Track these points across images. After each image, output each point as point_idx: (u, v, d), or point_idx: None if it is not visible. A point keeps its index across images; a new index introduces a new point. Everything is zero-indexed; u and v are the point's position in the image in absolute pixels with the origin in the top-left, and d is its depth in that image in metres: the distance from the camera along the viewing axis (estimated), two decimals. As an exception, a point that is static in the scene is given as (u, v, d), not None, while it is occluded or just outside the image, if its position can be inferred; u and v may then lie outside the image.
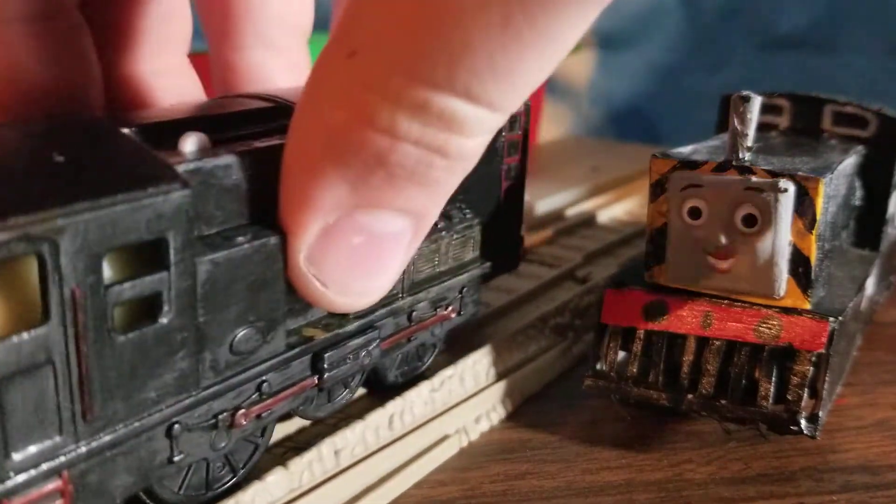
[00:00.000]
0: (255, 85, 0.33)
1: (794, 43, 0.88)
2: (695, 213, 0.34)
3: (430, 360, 0.37)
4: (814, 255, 0.32)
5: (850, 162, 0.38)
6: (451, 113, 0.22)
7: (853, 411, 0.38)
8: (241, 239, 0.25)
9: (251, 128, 0.27)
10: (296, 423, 0.33)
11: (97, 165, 0.22)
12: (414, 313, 0.33)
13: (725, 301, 0.34)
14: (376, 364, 0.32)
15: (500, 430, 0.37)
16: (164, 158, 0.23)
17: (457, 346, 0.39)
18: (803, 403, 0.32)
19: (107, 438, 0.22)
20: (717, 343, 0.34)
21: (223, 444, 0.26)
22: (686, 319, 0.34)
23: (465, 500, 0.32)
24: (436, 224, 0.30)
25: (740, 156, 0.33)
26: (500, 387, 0.38)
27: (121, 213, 0.21)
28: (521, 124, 0.37)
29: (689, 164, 0.34)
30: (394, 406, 0.33)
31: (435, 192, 0.25)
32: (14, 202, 0.19)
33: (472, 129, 0.23)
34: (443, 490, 0.32)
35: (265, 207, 0.25)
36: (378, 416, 0.33)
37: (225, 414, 0.26)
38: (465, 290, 0.36)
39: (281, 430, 0.32)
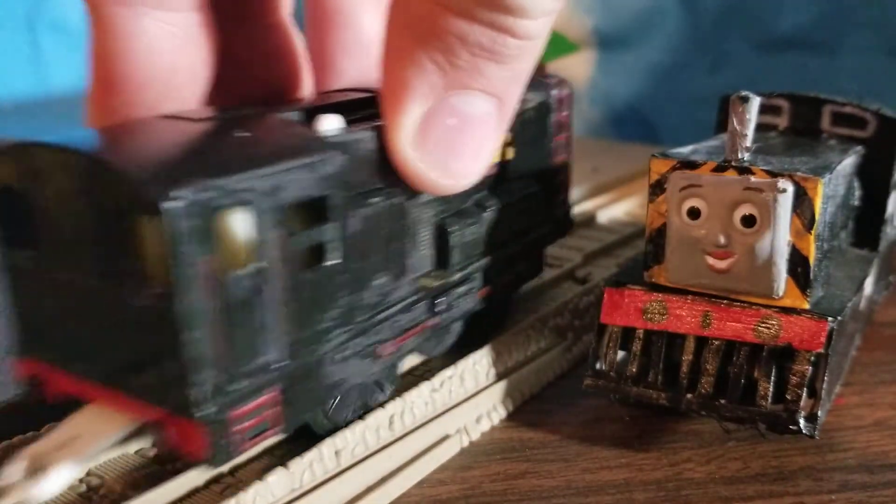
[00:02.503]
0: (341, 16, 0.37)
1: (793, 43, 0.88)
2: (694, 213, 0.34)
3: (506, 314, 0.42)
4: (812, 255, 0.33)
5: (848, 162, 0.39)
6: None
7: (852, 411, 0.39)
8: (376, 199, 0.30)
9: (366, 111, 0.32)
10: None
11: (273, 140, 0.28)
12: (495, 271, 0.38)
13: (724, 301, 0.34)
14: (473, 312, 0.38)
15: (501, 430, 0.37)
16: (321, 134, 0.29)
17: (457, 345, 0.39)
18: (802, 403, 0.33)
19: (299, 362, 0.28)
20: (717, 343, 0.34)
21: (373, 372, 0.32)
22: (685, 319, 0.35)
23: (466, 500, 0.32)
24: (505, 192, 0.37)
25: (739, 156, 0.33)
26: (501, 387, 0.38)
27: (299, 174, 0.27)
28: (567, 106, 0.42)
29: (688, 165, 0.34)
30: (394, 406, 0.33)
31: (512, 72, 0.28)
32: (221, 167, 0.25)
33: (532, 11, 0.26)
34: (443, 489, 0.33)
35: (389, 173, 0.30)
36: (378, 417, 0.33)
37: (372, 346, 0.31)
38: (532, 251, 0.41)
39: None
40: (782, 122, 0.44)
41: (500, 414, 0.38)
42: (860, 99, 0.43)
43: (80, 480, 0.29)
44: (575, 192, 0.62)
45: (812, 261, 0.33)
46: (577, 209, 0.61)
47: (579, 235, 0.56)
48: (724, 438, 0.36)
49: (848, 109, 0.43)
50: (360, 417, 0.33)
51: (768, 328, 0.33)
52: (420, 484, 0.33)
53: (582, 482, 0.33)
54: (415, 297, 0.33)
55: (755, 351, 0.34)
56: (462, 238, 0.35)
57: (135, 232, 0.24)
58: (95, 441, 0.27)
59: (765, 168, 0.32)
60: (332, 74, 0.37)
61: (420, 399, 0.35)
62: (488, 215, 0.36)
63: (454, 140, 0.29)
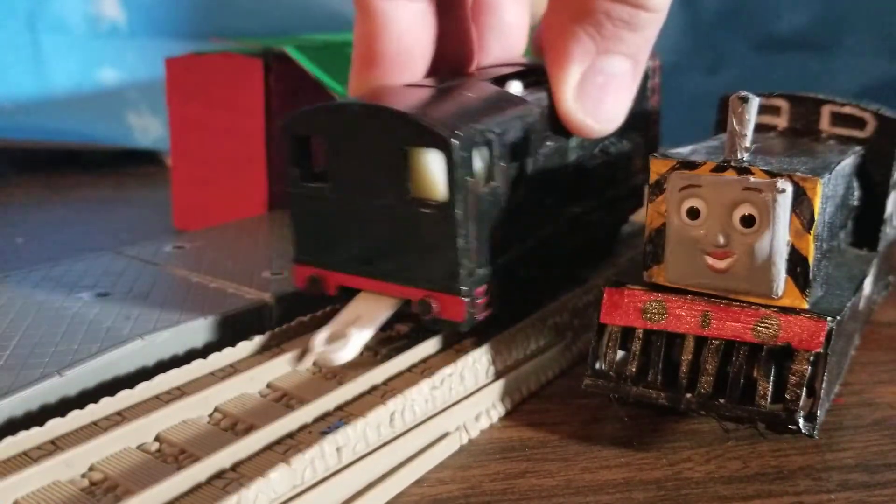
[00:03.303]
0: (490, 6, 0.47)
1: (792, 44, 0.88)
2: (693, 213, 0.34)
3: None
4: (812, 255, 0.33)
5: (848, 162, 0.39)
6: None
7: (851, 410, 0.39)
8: (549, 143, 0.40)
9: (530, 78, 0.42)
10: (298, 420, 0.33)
11: (493, 99, 0.39)
12: (613, 202, 0.49)
13: (724, 301, 0.34)
14: (595, 236, 0.49)
15: (500, 429, 0.37)
16: (517, 94, 0.40)
17: (457, 344, 0.40)
18: (801, 402, 0.33)
19: (506, 259, 0.37)
20: (716, 342, 0.34)
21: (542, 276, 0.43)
22: (684, 319, 0.35)
23: (465, 499, 0.32)
24: (620, 143, 0.47)
25: (739, 156, 0.33)
26: (500, 385, 0.38)
27: (515, 123, 0.37)
28: (658, 74, 0.51)
29: (687, 165, 0.34)
30: (395, 403, 0.34)
31: (643, 38, 0.38)
32: (473, 117, 0.35)
33: None
34: (443, 488, 0.33)
35: (554, 123, 0.40)
36: (379, 414, 0.33)
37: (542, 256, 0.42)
38: (636, 191, 0.51)
39: (282, 427, 0.32)
40: (781, 122, 0.44)
41: (499, 412, 0.38)
42: (859, 99, 0.43)
43: (83, 475, 0.30)
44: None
45: (811, 261, 0.33)
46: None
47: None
48: (723, 438, 0.36)
49: (847, 110, 0.43)
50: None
51: (767, 328, 0.33)
52: (420, 483, 0.33)
53: (581, 481, 0.33)
54: (565, 222, 0.43)
55: (754, 351, 0.34)
56: (594, 175, 0.44)
57: (423, 160, 0.34)
58: (375, 318, 0.37)
59: (764, 168, 0.32)
60: (481, 51, 0.46)
61: (420, 396, 0.35)
62: (610, 160, 0.45)
63: (603, 94, 0.39)
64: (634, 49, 0.38)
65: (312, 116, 0.37)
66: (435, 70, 0.42)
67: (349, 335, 0.37)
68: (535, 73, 0.42)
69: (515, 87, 0.40)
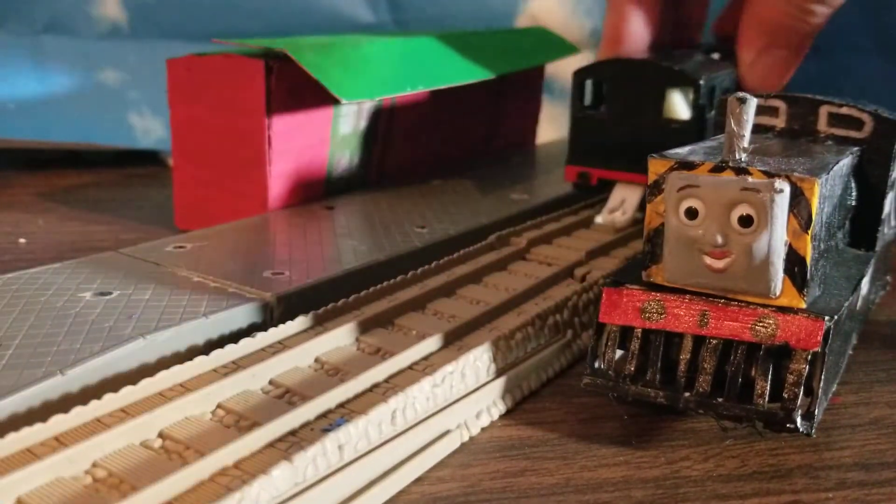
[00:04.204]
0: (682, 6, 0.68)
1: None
2: (691, 213, 0.34)
3: None
4: (809, 255, 0.33)
5: (845, 163, 0.39)
6: (814, 9, 0.56)
7: (849, 409, 0.39)
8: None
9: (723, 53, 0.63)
10: (300, 417, 0.33)
11: (708, 60, 0.61)
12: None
13: (722, 300, 0.34)
14: None
15: (500, 428, 0.37)
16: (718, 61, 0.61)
17: (458, 342, 0.40)
18: (799, 401, 0.33)
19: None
20: (714, 342, 0.34)
21: None
22: (683, 318, 0.35)
23: (465, 497, 0.32)
24: None
25: (737, 157, 0.33)
26: (501, 383, 0.38)
27: (728, 76, 0.59)
28: None
29: (686, 165, 0.34)
30: (396, 401, 0.34)
31: (804, 38, 0.57)
32: (707, 70, 0.57)
33: (821, 14, 0.56)
34: (443, 487, 0.33)
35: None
36: (381, 412, 0.33)
37: None
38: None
39: (285, 424, 0.32)
40: (779, 122, 0.44)
41: (499, 409, 0.38)
42: (857, 100, 0.43)
43: (86, 472, 0.30)
44: (574, 192, 0.62)
45: (809, 260, 0.33)
46: (578, 208, 0.61)
47: (578, 235, 0.57)
48: (721, 437, 0.36)
49: (845, 110, 0.43)
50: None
51: (765, 327, 0.34)
52: (420, 481, 0.33)
53: (581, 480, 0.34)
54: None
55: (752, 350, 0.34)
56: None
57: (677, 95, 0.55)
58: (635, 197, 0.57)
59: (762, 168, 0.33)
60: (683, 35, 0.67)
61: (422, 394, 0.35)
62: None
63: (768, 68, 0.58)
64: (798, 44, 0.57)
65: (596, 67, 0.59)
66: (656, 45, 0.62)
67: (625, 207, 0.57)
68: (725, 50, 0.62)
69: (716, 55, 0.62)
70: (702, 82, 0.54)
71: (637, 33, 0.61)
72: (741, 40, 0.58)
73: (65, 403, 0.34)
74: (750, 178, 0.33)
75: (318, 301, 0.43)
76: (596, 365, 0.36)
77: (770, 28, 0.56)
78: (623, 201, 0.57)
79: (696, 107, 0.54)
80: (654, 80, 0.55)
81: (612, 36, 0.61)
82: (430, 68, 0.66)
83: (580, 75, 0.58)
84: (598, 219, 0.57)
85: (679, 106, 0.55)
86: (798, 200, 0.32)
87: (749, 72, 0.58)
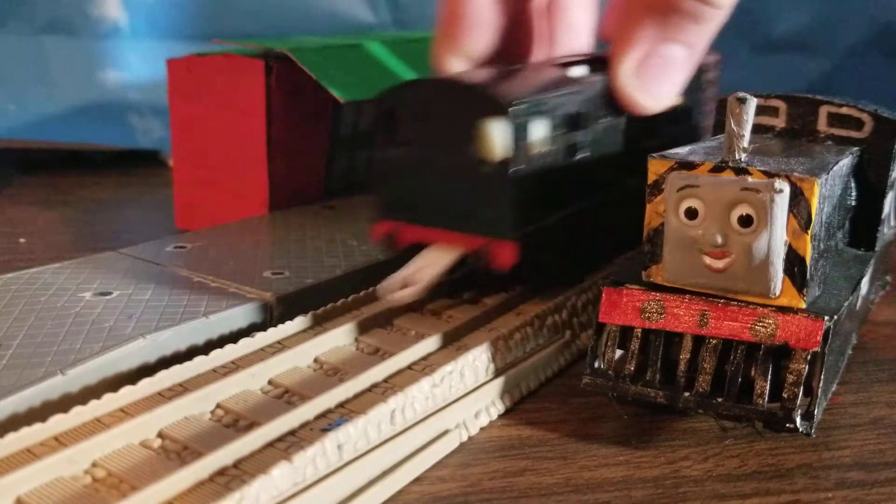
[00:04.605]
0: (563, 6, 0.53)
1: (790, 45, 0.89)
2: (691, 213, 0.34)
3: None
4: (809, 255, 0.33)
5: (845, 163, 0.39)
6: None
7: (848, 409, 0.39)
8: (604, 120, 0.46)
9: (596, 67, 0.47)
10: (299, 417, 0.33)
11: (554, 79, 0.46)
12: None
13: (722, 300, 0.34)
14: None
15: (500, 427, 0.37)
16: (576, 76, 0.46)
17: (457, 342, 0.40)
18: (799, 401, 0.33)
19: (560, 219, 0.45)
20: (714, 341, 0.34)
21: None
22: (683, 318, 0.35)
23: (465, 497, 0.32)
24: (673, 128, 0.50)
25: (736, 157, 0.33)
26: (500, 382, 0.38)
27: (568, 98, 0.43)
28: (716, 68, 0.57)
29: (685, 165, 0.34)
30: (395, 401, 0.34)
31: (704, 30, 0.42)
32: (532, 91, 0.41)
33: None
34: (443, 487, 0.33)
35: (609, 104, 0.45)
36: (380, 411, 0.33)
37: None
38: None
39: (284, 424, 0.32)
40: (779, 122, 0.44)
41: (498, 409, 0.38)
42: (857, 100, 0.43)
43: (85, 472, 0.30)
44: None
45: (808, 260, 0.33)
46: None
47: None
48: (721, 436, 0.36)
49: (844, 110, 0.43)
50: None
51: (765, 327, 0.34)
52: (419, 481, 0.33)
53: (580, 479, 0.34)
54: (616, 192, 0.48)
55: (752, 350, 0.34)
56: (644, 155, 0.44)
57: (488, 127, 0.39)
58: (438, 266, 0.42)
59: (762, 168, 0.33)
60: (552, 46, 0.52)
61: (421, 394, 0.35)
62: (662, 143, 0.45)
63: (658, 74, 0.43)
64: (694, 39, 0.43)
65: (397, 92, 0.43)
66: (510, 58, 0.49)
67: (417, 281, 0.42)
68: (598, 62, 0.48)
69: (577, 71, 0.47)
70: (512, 109, 0.39)
71: (478, 17, 0.47)
72: (619, 36, 0.43)
73: (64, 403, 0.34)
74: (750, 178, 0.33)
75: (318, 301, 0.43)
76: (596, 365, 0.36)
77: (660, 16, 0.42)
78: (422, 269, 0.42)
79: (511, 143, 0.40)
80: (462, 107, 0.41)
81: (447, 17, 0.48)
82: (430, 68, 0.66)
83: (382, 102, 0.43)
84: (383, 292, 0.42)
85: (499, 141, 0.40)
86: (798, 200, 0.32)
87: (629, 80, 0.43)
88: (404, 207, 0.43)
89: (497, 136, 0.40)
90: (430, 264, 0.42)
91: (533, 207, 0.42)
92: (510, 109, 0.39)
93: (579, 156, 0.44)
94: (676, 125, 0.51)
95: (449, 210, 0.42)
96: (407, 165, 0.43)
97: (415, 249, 0.43)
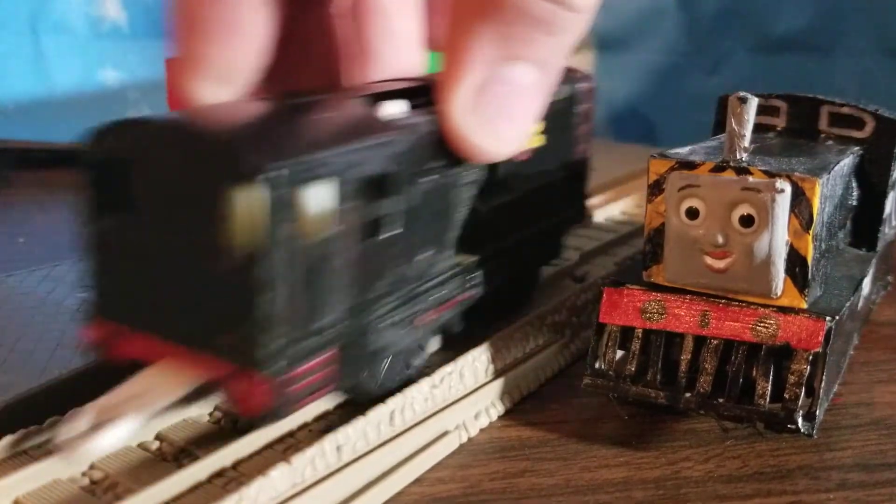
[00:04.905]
0: (374, 16, 0.39)
1: (790, 45, 0.89)
2: (692, 212, 0.34)
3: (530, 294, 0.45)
4: (810, 255, 0.33)
5: (846, 162, 0.39)
6: None
7: (850, 410, 0.39)
8: (430, 177, 0.33)
9: (423, 98, 0.34)
10: (298, 418, 0.33)
11: (347, 122, 0.32)
12: (522, 250, 0.41)
13: (723, 300, 0.34)
14: (500, 289, 0.40)
15: (500, 428, 0.37)
16: (388, 117, 0.32)
17: (457, 343, 0.40)
18: (800, 402, 0.33)
19: (355, 325, 0.31)
20: (715, 342, 0.34)
21: (412, 340, 0.35)
22: (684, 318, 0.35)
23: (465, 498, 0.32)
24: (535, 177, 0.40)
25: (737, 156, 0.33)
26: (499, 383, 0.38)
27: (369, 153, 0.30)
28: (591, 98, 0.45)
29: (686, 165, 0.34)
30: (394, 402, 0.34)
31: (560, 42, 0.31)
32: (304, 144, 0.28)
33: None
34: (443, 487, 0.33)
35: (441, 154, 0.33)
36: (379, 412, 0.33)
37: (413, 316, 0.34)
38: (554, 234, 0.45)
39: (284, 426, 0.32)
40: (780, 122, 0.44)
41: (498, 410, 0.38)
42: (858, 100, 0.43)
43: (83, 474, 0.30)
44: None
45: (810, 261, 0.33)
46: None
47: (577, 234, 0.56)
48: (722, 437, 0.36)
49: (846, 110, 0.43)
50: (404, 385, 0.35)
51: (766, 327, 0.33)
52: (419, 482, 0.33)
53: (581, 481, 0.33)
54: (451, 272, 0.36)
55: (753, 350, 0.34)
56: (495, 218, 0.37)
57: (227, 200, 0.26)
58: (160, 398, 0.28)
59: (763, 168, 0.33)
60: (372, 61, 0.39)
61: (420, 395, 0.35)
62: (518, 198, 0.39)
63: (504, 106, 0.31)
64: (548, 56, 0.31)
65: (110, 137, 0.29)
66: (300, 82, 0.36)
67: (117, 418, 0.27)
68: (422, 91, 0.34)
69: (393, 108, 0.33)
70: (268, 174, 0.26)
71: (237, 9, 0.33)
72: (447, 55, 0.32)
73: (62, 404, 0.34)
74: (751, 178, 0.32)
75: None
76: (596, 365, 0.36)
77: (500, 24, 0.30)
78: (141, 395, 0.28)
79: (268, 225, 0.26)
80: (194, 167, 0.28)
81: (186, 22, 0.33)
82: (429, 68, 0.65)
83: (90, 150, 0.29)
84: (80, 426, 0.28)
85: (250, 222, 0.26)
86: (799, 200, 0.32)
87: (463, 118, 0.31)
88: (123, 305, 0.30)
89: (243, 215, 0.26)
90: (147, 394, 0.28)
91: (302, 321, 0.28)
92: (264, 175, 0.26)
93: (386, 235, 0.31)
94: (538, 176, 0.41)
95: (181, 317, 0.28)
96: (126, 245, 0.29)
97: (137, 365, 0.29)
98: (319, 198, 0.28)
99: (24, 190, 0.81)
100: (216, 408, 0.34)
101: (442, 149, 0.33)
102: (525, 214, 0.40)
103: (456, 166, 0.34)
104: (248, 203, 0.26)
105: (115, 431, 0.27)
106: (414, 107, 0.34)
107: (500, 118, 0.31)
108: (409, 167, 0.32)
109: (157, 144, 0.28)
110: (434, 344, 0.39)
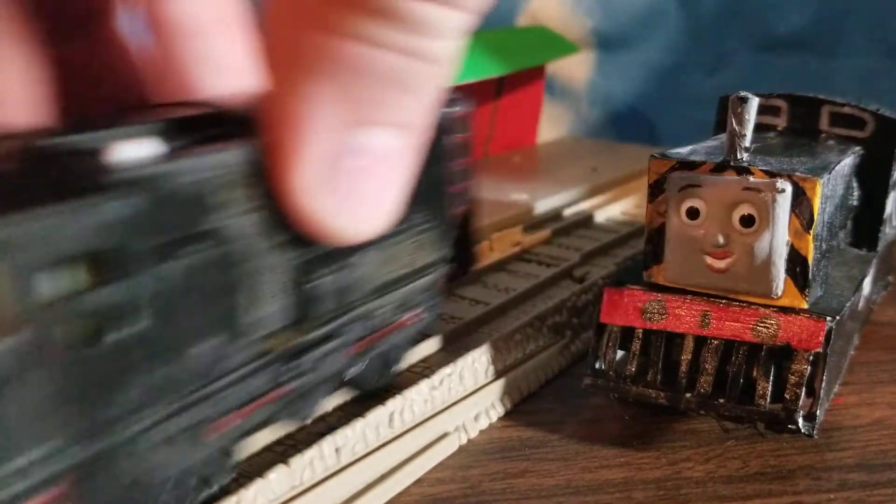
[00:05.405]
0: (184, 36, 0.32)
1: (791, 44, 0.88)
2: (693, 213, 0.34)
3: (400, 366, 0.36)
4: (811, 255, 0.33)
5: (847, 162, 0.39)
6: (422, 16, 0.22)
7: (850, 410, 0.39)
8: (198, 246, 0.24)
9: (205, 132, 0.26)
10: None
11: (46, 177, 0.22)
12: (377, 318, 0.32)
13: (723, 301, 0.34)
14: (345, 371, 0.32)
15: (500, 429, 0.37)
16: (117, 166, 0.22)
17: (456, 344, 0.40)
18: (801, 402, 0.33)
19: (92, 450, 0.22)
20: (715, 342, 0.34)
21: (195, 459, 0.26)
22: (684, 319, 0.35)
23: (465, 499, 0.32)
24: (394, 226, 0.28)
25: (738, 156, 0.33)
26: (500, 385, 0.38)
27: (77, 221, 0.20)
28: (465, 126, 0.36)
29: (687, 165, 0.34)
30: (394, 404, 0.34)
31: (421, 99, 0.25)
32: None
33: (443, 30, 0.23)
34: (443, 488, 0.33)
35: (220, 210, 0.24)
36: (378, 414, 0.33)
37: (195, 426, 0.25)
38: (425, 293, 0.35)
39: (283, 427, 0.32)
40: (781, 122, 0.44)
41: (498, 412, 0.38)
42: (858, 99, 0.43)
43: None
44: (573, 192, 0.62)
45: (810, 261, 0.33)
46: (575, 209, 0.61)
47: (577, 235, 0.57)
48: (722, 437, 0.36)
49: (846, 110, 0.43)
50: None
51: (767, 328, 0.33)
52: (419, 483, 0.33)
53: (581, 481, 0.33)
54: (259, 362, 0.27)
55: (754, 350, 0.34)
56: (329, 286, 0.29)
57: None
58: None
59: (763, 168, 0.33)
60: (191, 91, 0.33)
61: (420, 396, 0.35)
62: (365, 256, 0.30)
63: (363, 182, 0.25)
64: (409, 116, 0.25)
65: None
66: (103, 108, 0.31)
67: None
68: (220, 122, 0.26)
69: (137, 151, 0.23)
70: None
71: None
72: (279, 118, 0.24)
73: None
74: (751, 178, 0.32)
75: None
76: (597, 366, 0.36)
77: (343, 81, 0.23)
78: None
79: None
80: None
81: None
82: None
83: None
84: None
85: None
86: (800, 200, 0.32)
87: (318, 202, 0.24)
88: None
89: None
90: None
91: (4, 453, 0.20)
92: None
93: (119, 334, 0.22)
94: (395, 232, 0.31)
95: None
96: None
97: None
98: None
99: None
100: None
101: (221, 201, 0.24)
102: (376, 275, 0.31)
103: (254, 223, 0.25)
104: None
105: None
106: (178, 147, 0.25)
107: (361, 196, 0.25)
108: (156, 235, 0.23)
109: None
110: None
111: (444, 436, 0.35)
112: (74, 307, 0.21)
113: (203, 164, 0.24)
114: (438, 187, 0.34)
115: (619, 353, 0.36)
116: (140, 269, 0.22)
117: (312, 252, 0.27)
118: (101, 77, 0.32)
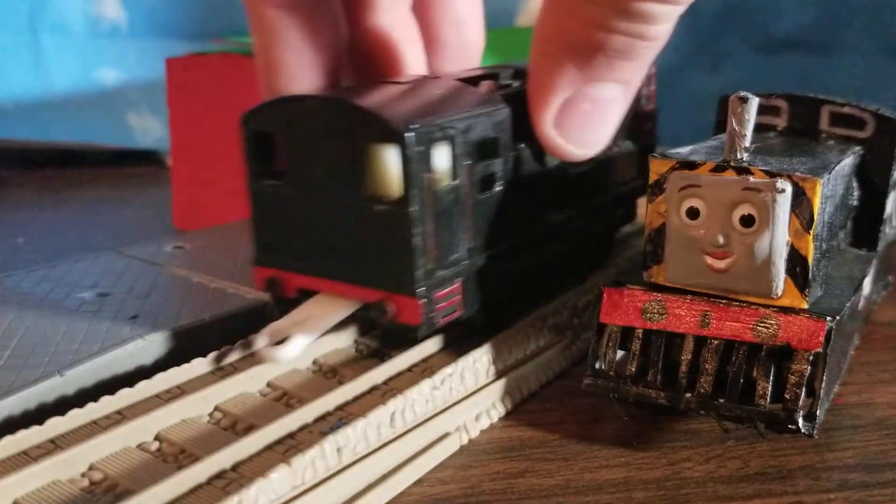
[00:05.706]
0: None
1: (791, 44, 0.89)
2: (693, 213, 0.34)
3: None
4: (811, 255, 0.33)
5: (847, 162, 0.39)
6: (649, 11, 0.32)
7: (851, 410, 0.39)
8: (524, 144, 0.39)
9: (511, 78, 0.41)
10: (298, 419, 0.33)
11: (461, 96, 0.37)
12: (603, 211, 0.48)
13: (723, 301, 0.34)
14: (582, 246, 0.47)
15: (500, 429, 0.37)
16: (490, 93, 0.38)
17: (456, 344, 0.40)
18: (801, 402, 0.33)
19: (474, 262, 0.37)
20: (716, 342, 0.34)
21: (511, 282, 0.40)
22: (684, 319, 0.35)
23: (465, 499, 0.32)
24: (612, 148, 0.42)
25: (738, 156, 0.33)
26: (500, 384, 0.38)
27: (482, 120, 0.36)
28: (653, 81, 0.51)
29: (687, 165, 0.34)
30: (395, 403, 0.34)
31: (638, 65, 0.35)
32: (433, 112, 0.34)
33: (663, 19, 0.33)
34: (443, 488, 0.33)
35: (525, 128, 0.37)
36: (380, 414, 0.33)
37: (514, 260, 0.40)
38: (628, 200, 0.51)
39: (283, 427, 0.32)
40: (781, 122, 0.44)
41: (499, 412, 0.38)
42: (858, 99, 0.43)
43: (82, 475, 0.30)
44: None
45: (810, 261, 0.33)
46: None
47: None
48: (722, 438, 0.36)
49: (846, 110, 0.43)
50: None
51: (767, 328, 0.33)
52: (420, 483, 0.33)
53: (581, 481, 0.33)
54: (545, 228, 0.42)
55: (754, 350, 0.34)
56: (579, 182, 0.43)
57: (379, 155, 0.33)
58: (325, 319, 0.35)
59: (763, 168, 0.32)
60: (438, 46, 0.45)
61: (421, 396, 0.35)
62: (600, 165, 0.44)
63: (587, 120, 0.36)
64: (628, 75, 0.36)
65: (266, 111, 0.36)
66: (376, 71, 0.42)
67: (292, 335, 0.34)
68: (517, 75, 0.41)
69: (488, 86, 0.39)
70: (410, 135, 0.32)
71: (300, 58, 0.38)
72: (534, 78, 0.37)
73: (62, 405, 0.34)
74: (752, 178, 0.32)
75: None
76: (597, 366, 0.36)
77: (584, 58, 0.34)
78: (307, 319, 0.36)
79: (409, 177, 0.33)
80: (347, 132, 0.34)
81: (264, 64, 0.39)
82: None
83: (249, 122, 0.37)
84: (259, 344, 0.35)
85: (395, 174, 0.33)
86: (800, 200, 0.32)
87: (552, 132, 0.37)
88: (286, 252, 0.37)
89: (394, 166, 0.33)
90: (317, 316, 0.35)
91: (438, 254, 0.35)
92: (410, 133, 0.32)
93: (496, 189, 0.37)
94: (616, 146, 0.46)
95: (338, 257, 0.35)
96: (285, 202, 0.36)
97: (305, 293, 0.37)
98: (444, 155, 0.34)
99: (23, 190, 0.81)
100: (216, 408, 0.34)
101: (524, 121, 0.37)
102: (605, 179, 0.47)
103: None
104: (398, 156, 0.32)
105: (291, 347, 0.34)
106: (502, 88, 0.40)
107: (585, 129, 0.37)
108: (508, 135, 0.38)
109: (307, 117, 0.35)
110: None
111: (446, 436, 0.35)
112: (476, 170, 0.36)
113: (518, 97, 0.38)
114: (639, 125, 0.49)
115: (620, 353, 0.36)
116: (504, 152, 0.37)
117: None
118: (382, 44, 0.42)
